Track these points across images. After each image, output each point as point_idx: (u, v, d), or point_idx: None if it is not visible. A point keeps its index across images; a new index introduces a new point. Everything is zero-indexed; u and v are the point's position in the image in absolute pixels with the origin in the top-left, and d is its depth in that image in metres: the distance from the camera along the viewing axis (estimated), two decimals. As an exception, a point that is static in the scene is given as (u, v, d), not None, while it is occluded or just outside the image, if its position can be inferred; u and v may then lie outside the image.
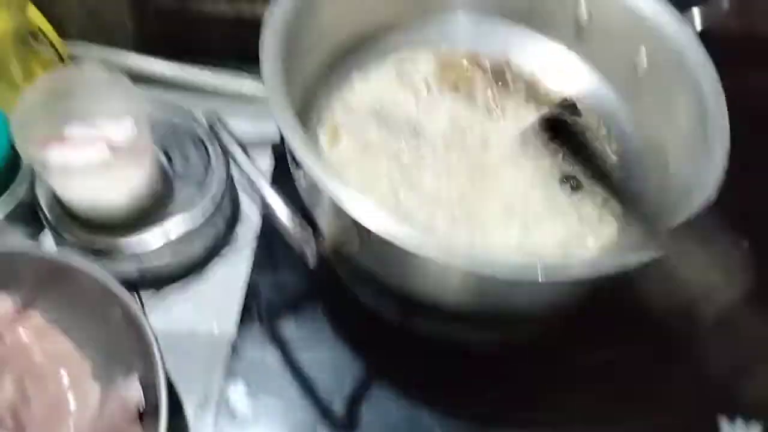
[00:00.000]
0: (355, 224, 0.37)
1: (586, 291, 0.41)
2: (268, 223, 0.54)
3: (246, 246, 0.64)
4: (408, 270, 0.39)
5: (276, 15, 0.45)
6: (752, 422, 0.47)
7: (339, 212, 0.39)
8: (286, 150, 0.43)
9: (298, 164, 0.40)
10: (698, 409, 0.48)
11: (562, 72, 0.55)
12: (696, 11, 0.50)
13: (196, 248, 0.61)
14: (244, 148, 0.37)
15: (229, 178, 0.63)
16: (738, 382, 0.49)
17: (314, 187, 0.40)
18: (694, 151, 0.43)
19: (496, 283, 0.38)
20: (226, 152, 0.37)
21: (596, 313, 0.50)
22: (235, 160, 0.36)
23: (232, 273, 0.63)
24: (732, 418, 0.47)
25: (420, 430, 0.46)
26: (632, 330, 0.50)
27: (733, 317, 0.51)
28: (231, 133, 0.37)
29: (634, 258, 0.36)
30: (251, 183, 0.35)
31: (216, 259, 0.64)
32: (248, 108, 0.72)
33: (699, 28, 0.49)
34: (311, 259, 0.34)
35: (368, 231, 0.37)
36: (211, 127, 0.37)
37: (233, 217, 0.66)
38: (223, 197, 0.61)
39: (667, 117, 0.48)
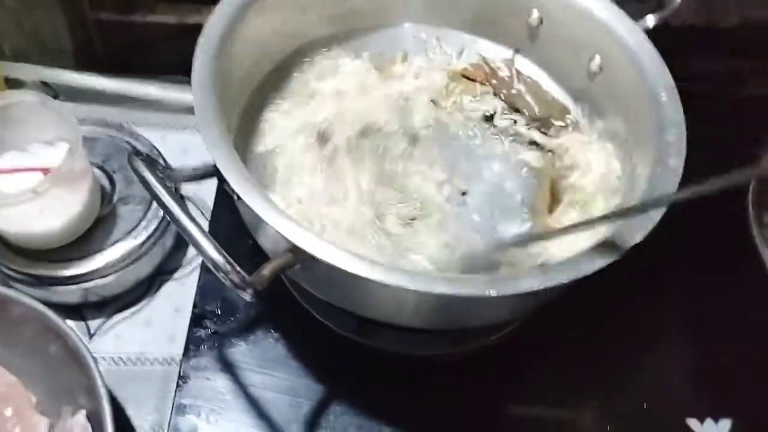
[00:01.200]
0: (299, 252, 0.36)
1: (544, 300, 0.40)
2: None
3: (199, 267, 0.63)
4: (356, 294, 0.38)
5: (209, 31, 0.44)
6: (722, 419, 0.47)
7: (280, 241, 0.37)
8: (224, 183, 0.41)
9: (237, 197, 0.38)
10: (668, 411, 0.47)
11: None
12: (650, 17, 0.49)
13: (144, 270, 0.59)
14: (173, 188, 0.35)
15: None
16: (705, 382, 0.49)
17: (256, 218, 0.39)
18: (653, 154, 0.42)
19: (449, 300, 0.37)
20: (152, 196, 0.35)
21: (556, 316, 0.50)
22: (162, 205, 0.34)
23: (183, 294, 0.61)
24: (701, 419, 0.47)
25: (379, 454, 0.44)
26: (594, 331, 0.50)
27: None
28: (155, 174, 0.35)
29: (588, 266, 0.35)
30: (181, 230, 0.34)
31: (167, 282, 0.62)
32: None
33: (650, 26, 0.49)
34: (248, 296, 0.33)
35: (313, 258, 0.36)
36: (135, 171, 0.35)
37: (183, 237, 0.64)
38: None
39: (625, 120, 0.47)
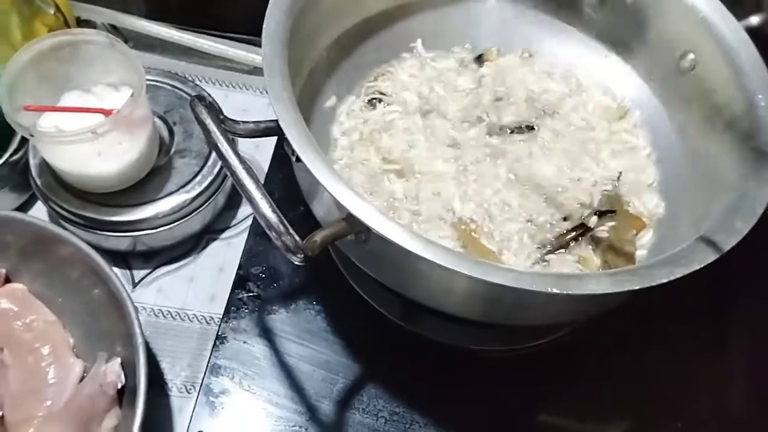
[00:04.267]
0: (353, 222, 0.34)
1: (601, 307, 0.38)
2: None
3: (247, 229, 0.62)
4: (407, 274, 0.36)
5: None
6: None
7: (336, 208, 0.36)
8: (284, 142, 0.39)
9: (296, 158, 0.37)
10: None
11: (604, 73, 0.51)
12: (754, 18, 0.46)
13: (193, 227, 0.59)
14: (231, 141, 0.33)
15: (233, 156, 0.60)
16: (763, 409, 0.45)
17: (313, 182, 0.37)
18: (742, 165, 0.39)
19: (504, 292, 0.34)
20: (211, 145, 0.33)
21: (606, 328, 0.47)
22: (220, 154, 0.33)
23: (229, 255, 0.60)
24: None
25: (409, 441, 0.43)
26: (644, 350, 0.47)
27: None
28: (216, 123, 0.33)
29: (664, 273, 0.32)
30: (237, 183, 0.32)
31: (215, 241, 0.61)
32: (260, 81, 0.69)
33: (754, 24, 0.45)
34: (296, 260, 0.31)
35: (367, 229, 0.34)
36: (197, 116, 0.33)
37: (235, 198, 0.63)
38: (224, 175, 0.58)
39: (712, 125, 0.44)
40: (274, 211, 0.31)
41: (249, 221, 0.62)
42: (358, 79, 0.49)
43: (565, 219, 0.43)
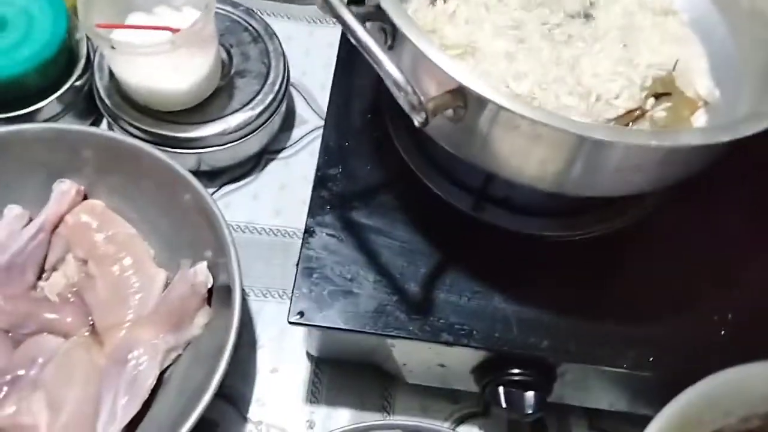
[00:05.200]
0: (456, 93, 0.36)
1: (678, 170, 0.41)
2: (334, 121, 0.53)
3: (303, 149, 0.64)
4: (497, 145, 0.39)
5: None
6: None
7: (436, 81, 0.38)
8: (375, 26, 0.41)
9: (390, 45, 0.39)
10: None
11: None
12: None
13: (254, 145, 0.61)
14: (353, 12, 0.35)
15: (288, 79, 0.62)
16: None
17: (409, 59, 0.39)
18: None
19: (602, 152, 0.37)
20: (338, 19, 0.35)
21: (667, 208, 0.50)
22: (346, 26, 0.35)
23: (288, 173, 0.63)
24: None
25: (493, 314, 0.46)
26: (712, 232, 0.50)
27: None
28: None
29: (750, 127, 0.35)
30: (364, 48, 0.34)
31: (273, 161, 0.64)
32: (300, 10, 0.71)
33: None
34: (419, 119, 0.34)
35: (467, 98, 0.37)
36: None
37: (289, 119, 0.66)
38: (281, 97, 0.61)
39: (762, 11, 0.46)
40: (401, 71, 0.33)
41: (304, 141, 0.65)
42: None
43: (616, 97, 0.45)
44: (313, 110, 0.66)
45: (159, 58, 0.52)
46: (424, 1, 0.50)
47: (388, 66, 0.33)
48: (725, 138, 0.35)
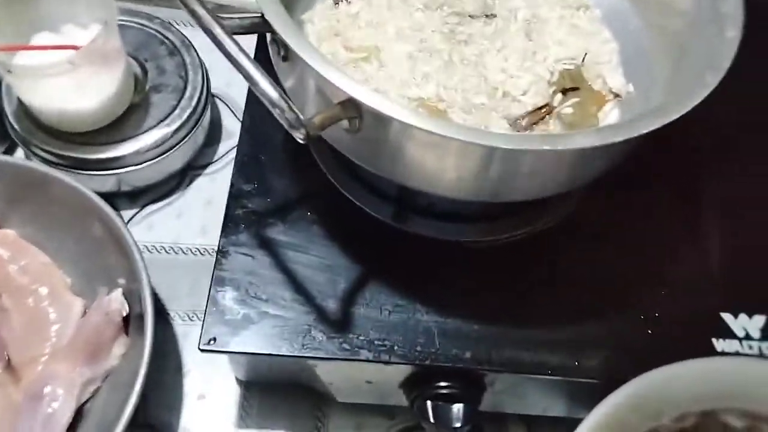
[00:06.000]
0: (347, 104, 0.35)
1: (589, 169, 0.40)
2: (249, 132, 0.52)
3: (229, 164, 0.62)
4: (402, 158, 0.37)
5: None
6: (755, 316, 0.46)
7: (328, 93, 0.37)
8: (269, 36, 0.40)
9: (284, 56, 0.38)
10: (701, 305, 0.46)
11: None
12: None
13: (176, 162, 0.59)
14: (223, 26, 0.34)
15: (208, 92, 0.60)
16: (740, 277, 0.48)
17: (303, 75, 0.38)
18: (705, 32, 0.41)
19: (494, 159, 0.36)
20: (206, 31, 0.34)
21: (587, 216, 0.49)
22: (215, 39, 0.33)
23: (214, 189, 0.61)
24: (735, 314, 0.46)
25: (414, 327, 0.44)
26: (625, 228, 0.49)
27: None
28: (208, 10, 0.34)
29: (646, 125, 0.34)
30: (233, 61, 0.33)
31: (199, 177, 0.62)
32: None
33: None
34: (301, 136, 0.32)
35: (360, 109, 0.35)
36: (186, 6, 0.34)
37: (214, 133, 0.64)
38: (201, 109, 0.59)
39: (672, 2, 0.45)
40: (275, 88, 0.31)
41: (231, 155, 0.62)
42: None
43: (523, 94, 0.44)
44: (240, 122, 0.64)
45: (61, 78, 0.50)
46: (328, 3, 0.49)
47: (261, 82, 0.32)
48: (619, 138, 0.34)
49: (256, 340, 0.43)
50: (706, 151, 0.53)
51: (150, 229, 0.58)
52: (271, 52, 0.41)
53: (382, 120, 0.35)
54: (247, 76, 0.32)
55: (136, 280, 0.48)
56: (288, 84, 0.42)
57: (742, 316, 0.46)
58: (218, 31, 0.32)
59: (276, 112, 0.31)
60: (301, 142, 0.33)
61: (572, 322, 0.45)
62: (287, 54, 0.39)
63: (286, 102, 0.31)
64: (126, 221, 0.59)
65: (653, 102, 0.44)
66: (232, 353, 0.43)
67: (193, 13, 0.33)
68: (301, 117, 0.32)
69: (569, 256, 0.48)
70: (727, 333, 0.45)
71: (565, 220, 0.48)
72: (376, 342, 0.44)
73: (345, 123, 0.36)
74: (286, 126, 0.32)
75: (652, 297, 0.46)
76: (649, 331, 0.45)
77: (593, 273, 0.47)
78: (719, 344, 0.44)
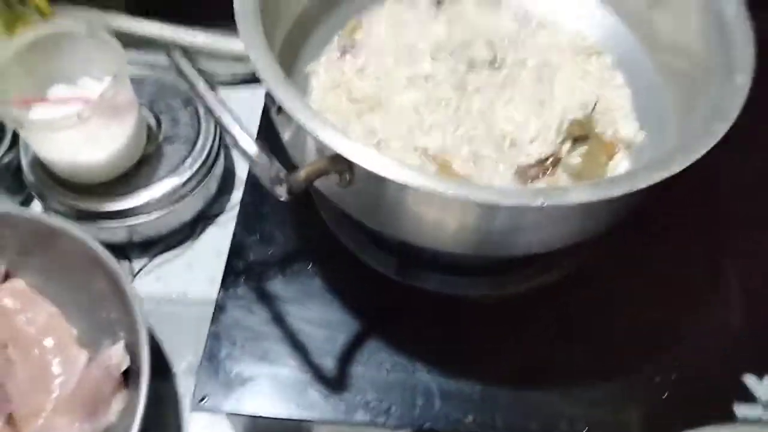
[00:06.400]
0: (336, 157, 0.34)
1: (591, 225, 0.38)
2: (254, 181, 0.51)
3: (242, 211, 0.62)
4: (398, 213, 0.36)
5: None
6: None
7: (321, 150, 0.36)
8: (265, 95, 0.40)
9: (278, 108, 0.37)
10: (724, 366, 0.43)
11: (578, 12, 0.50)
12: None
13: (187, 213, 0.59)
14: (209, 83, 0.34)
15: (221, 142, 0.60)
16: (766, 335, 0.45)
17: (294, 128, 0.37)
18: (715, 77, 0.39)
19: (494, 214, 0.34)
20: (191, 87, 0.34)
21: (600, 270, 0.47)
22: (198, 95, 0.33)
23: (225, 239, 0.60)
24: (760, 375, 0.43)
25: (414, 386, 0.42)
26: (642, 285, 0.46)
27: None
28: (194, 68, 0.34)
29: (644, 178, 0.32)
30: (215, 117, 0.32)
31: (209, 226, 0.61)
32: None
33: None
34: (283, 193, 0.31)
35: (351, 169, 0.34)
36: (175, 64, 0.34)
37: (227, 182, 0.64)
38: (213, 159, 0.59)
39: (685, 45, 0.43)
40: (255, 143, 0.31)
41: (243, 204, 0.62)
42: (331, 36, 0.49)
43: (531, 142, 0.43)
44: (252, 172, 0.65)
45: (71, 132, 0.50)
46: (333, 55, 0.49)
47: (244, 141, 0.31)
48: (616, 193, 0.32)
49: (250, 400, 0.42)
50: (731, 198, 0.50)
51: (159, 279, 0.58)
52: (268, 104, 0.41)
53: (369, 174, 0.34)
54: (226, 131, 0.31)
55: (136, 336, 0.47)
56: (286, 136, 0.41)
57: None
58: (201, 85, 0.32)
59: (256, 169, 0.31)
60: (282, 200, 0.32)
61: (581, 386, 0.42)
62: (278, 103, 0.38)
63: (267, 157, 0.31)
64: (136, 272, 0.59)
65: (665, 148, 0.42)
66: (225, 413, 0.42)
67: (177, 67, 0.32)
68: (282, 173, 0.31)
69: (581, 312, 0.46)
70: (749, 397, 0.41)
71: (575, 274, 0.46)
72: (372, 403, 0.42)
73: (335, 177, 0.36)
74: (264, 182, 0.31)
75: (669, 356, 0.43)
76: (666, 395, 0.42)
77: (603, 332, 0.45)
78: (740, 409, 0.41)
